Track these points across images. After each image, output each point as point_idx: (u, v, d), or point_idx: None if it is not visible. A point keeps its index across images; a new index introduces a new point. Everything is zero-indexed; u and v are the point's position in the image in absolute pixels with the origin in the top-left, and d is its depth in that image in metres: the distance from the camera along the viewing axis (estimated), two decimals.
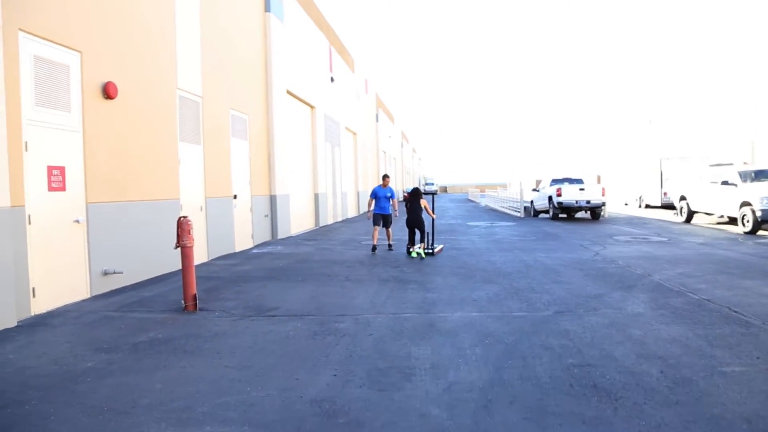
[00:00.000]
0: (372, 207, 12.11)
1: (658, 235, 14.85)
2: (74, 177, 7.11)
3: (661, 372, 4.26)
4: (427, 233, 11.51)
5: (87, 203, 7.35)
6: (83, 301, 7.19)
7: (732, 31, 31.62)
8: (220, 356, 4.86)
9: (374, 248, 11.92)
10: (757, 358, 4.58)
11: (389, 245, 12.26)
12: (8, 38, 5.93)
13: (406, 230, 11.74)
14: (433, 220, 11.90)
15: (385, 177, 12.48)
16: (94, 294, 7.48)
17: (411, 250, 11.17)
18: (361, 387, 4.08)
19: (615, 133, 42.11)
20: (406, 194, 11.69)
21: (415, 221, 11.24)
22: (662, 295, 7.10)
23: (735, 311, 6.16)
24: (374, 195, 12.06)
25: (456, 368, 4.42)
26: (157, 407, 3.75)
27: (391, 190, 12.15)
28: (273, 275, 9.12)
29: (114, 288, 7.89)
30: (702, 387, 3.95)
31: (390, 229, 12.39)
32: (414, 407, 3.70)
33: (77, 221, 7.16)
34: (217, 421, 3.51)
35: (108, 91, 7.64)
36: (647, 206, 28.37)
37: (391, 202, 12.24)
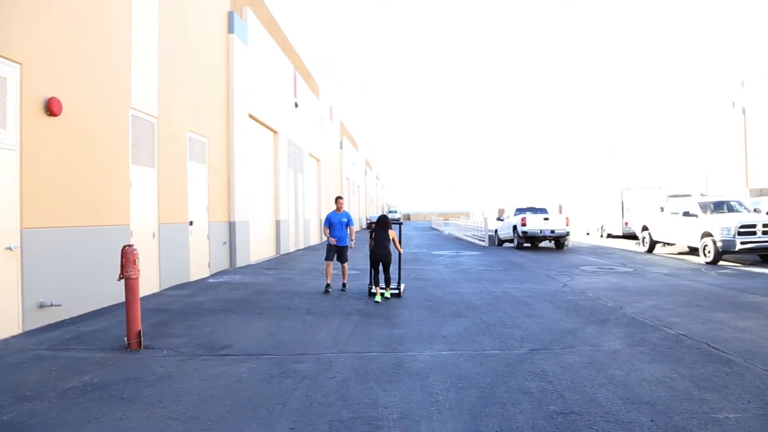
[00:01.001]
0: (326, 234, 10.45)
1: (624, 265, 14.79)
2: (8, 199, 6.45)
3: (652, 420, 3.90)
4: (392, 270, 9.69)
5: (22, 228, 6.68)
6: (13, 337, 6.47)
7: (688, 63, 32.74)
8: (162, 405, 4.28)
9: (328, 287, 10.07)
10: (749, 402, 4.27)
11: (343, 285, 10.33)
12: None
13: (368, 264, 9.98)
14: (399, 254, 10.14)
15: (338, 199, 10.45)
16: (26, 329, 6.76)
17: (374, 291, 9.38)
18: None
19: (576, 163, 42.91)
20: (370, 222, 9.80)
21: (381, 255, 9.31)
22: (637, 330, 6.83)
23: (714, 347, 5.91)
24: (328, 222, 10.34)
25: (428, 418, 3.97)
26: None
27: (347, 215, 10.40)
28: (229, 307, 8.52)
29: (51, 322, 7.17)
30: None
31: (346, 265, 10.44)
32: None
33: (9, 248, 6.48)
34: None
35: (51, 108, 7.04)
36: (609, 235, 28.66)
37: (348, 230, 10.35)
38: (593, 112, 40.65)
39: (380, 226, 9.51)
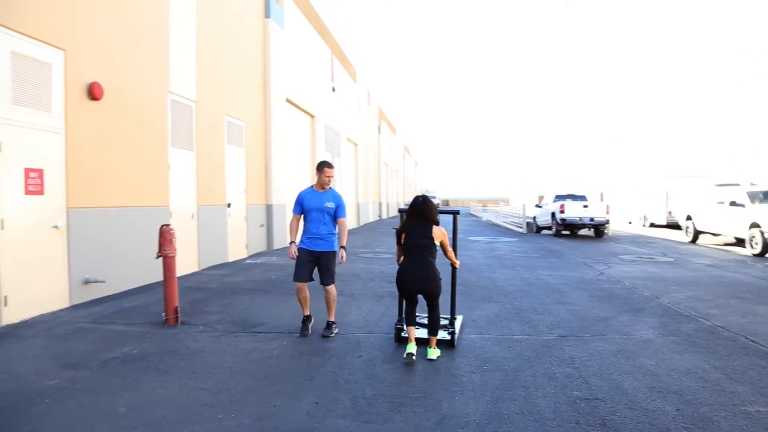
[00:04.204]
0: (296, 233, 5.90)
1: (664, 255, 14.44)
2: (54, 180, 6.75)
3: (677, 410, 3.86)
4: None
5: (68, 208, 6.98)
6: (61, 310, 6.80)
7: (739, 48, 31.43)
8: (195, 377, 4.46)
9: (306, 324, 5.90)
10: None
11: (329, 325, 5.84)
12: None
13: (395, 294, 6.94)
14: (453, 271, 5.78)
15: (325, 167, 5.82)
16: (73, 303, 7.10)
17: (406, 334, 5.37)
18: (345, 418, 3.68)
19: (620, 150, 41.83)
20: (405, 208, 5.53)
21: (418, 279, 5.03)
22: (672, 320, 6.70)
23: (752, 341, 5.75)
24: (300, 208, 5.86)
25: (450, 399, 4.02)
26: None
27: (336, 198, 5.86)
28: (264, 288, 8.72)
29: (95, 297, 7.50)
30: (724, 429, 3.55)
31: (332, 288, 5.83)
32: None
33: (56, 227, 6.79)
34: None
35: (93, 92, 7.29)
36: (651, 225, 27.94)
37: (337, 225, 5.89)
38: (641, 98, 39.47)
39: (417, 220, 5.13)
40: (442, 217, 5.38)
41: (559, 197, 21.85)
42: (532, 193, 49.57)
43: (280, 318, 6.62)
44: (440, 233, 5.13)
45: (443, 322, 5.62)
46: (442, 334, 5.46)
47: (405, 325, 5.28)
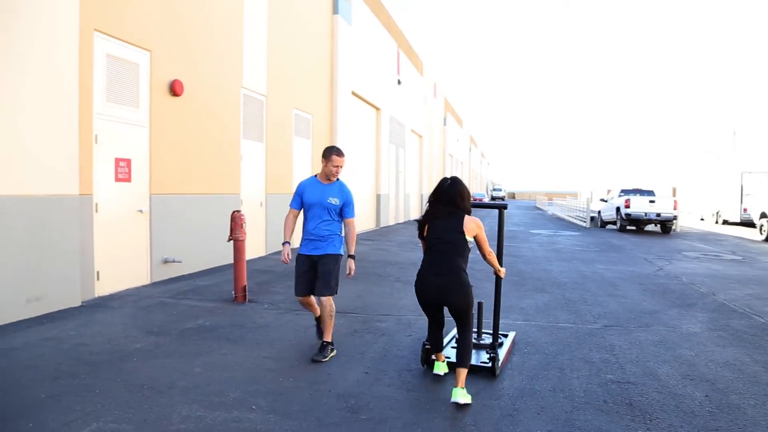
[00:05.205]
0: (292, 232, 4.90)
1: (733, 252, 14.01)
2: (139, 169, 7.51)
3: (706, 396, 4.03)
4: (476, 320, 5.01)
5: (150, 194, 7.74)
6: (143, 286, 7.58)
7: None
8: (259, 347, 5.00)
9: (319, 328, 5.04)
10: None
11: (323, 346, 4.75)
12: (84, 38, 6.34)
13: (416, 308, 5.50)
14: (497, 281, 4.76)
15: (332, 154, 4.73)
16: (153, 281, 7.87)
17: (436, 361, 4.39)
18: (390, 386, 4.10)
19: (694, 144, 40.04)
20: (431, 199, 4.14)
21: (441, 286, 3.92)
22: (723, 315, 6.71)
23: None
24: (299, 199, 4.84)
25: (488, 375, 4.36)
26: (193, 390, 3.91)
27: (343, 192, 4.86)
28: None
29: (172, 276, 8.26)
30: (749, 415, 3.71)
31: (329, 301, 4.77)
32: (439, 410, 3.68)
33: (141, 211, 7.56)
34: (246, 408, 3.62)
35: (174, 89, 8.02)
36: (725, 222, 26.80)
37: (345, 227, 4.96)
38: (718, 90, 37.58)
39: (444, 208, 4.01)
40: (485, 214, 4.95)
41: (624, 191, 21.40)
42: (600, 188, 48.23)
43: (339, 299, 7.04)
44: (475, 225, 3.91)
45: (485, 340, 4.82)
46: (481, 358, 4.45)
47: (432, 350, 4.30)
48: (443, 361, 4.32)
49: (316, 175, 4.90)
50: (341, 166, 4.78)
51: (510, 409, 3.72)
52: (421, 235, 4.15)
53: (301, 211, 4.89)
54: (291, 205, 4.89)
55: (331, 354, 4.76)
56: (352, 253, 4.87)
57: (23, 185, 5.57)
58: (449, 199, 3.97)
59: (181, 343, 5.04)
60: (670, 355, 5.02)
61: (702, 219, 29.84)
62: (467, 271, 3.94)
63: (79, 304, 6.32)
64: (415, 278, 4.07)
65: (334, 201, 4.76)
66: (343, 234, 4.90)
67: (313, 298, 4.86)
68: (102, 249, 6.84)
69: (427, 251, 4.03)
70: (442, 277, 3.87)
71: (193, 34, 8.58)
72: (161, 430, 3.27)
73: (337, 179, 4.86)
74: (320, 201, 4.73)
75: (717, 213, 27.48)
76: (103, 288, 6.90)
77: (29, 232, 5.64)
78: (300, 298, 4.83)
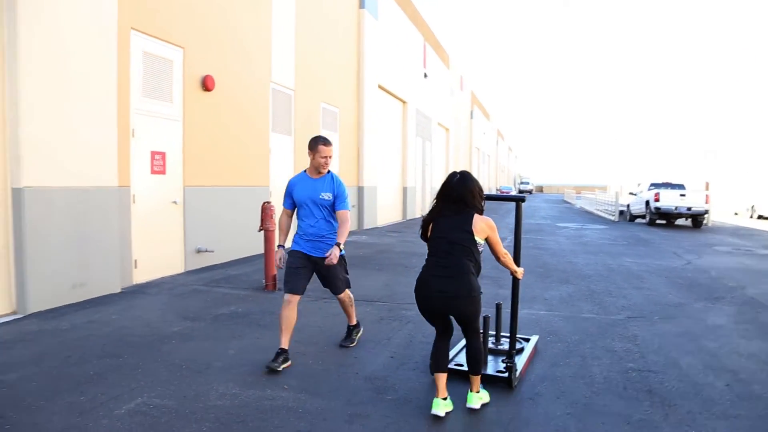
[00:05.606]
0: (287, 234, 4.62)
1: (766, 248, 13.79)
2: (174, 162, 7.79)
3: (727, 385, 4.09)
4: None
5: (184, 186, 8.02)
6: (178, 274, 7.87)
7: None
8: None
9: (276, 360, 4.17)
10: None
11: (348, 333, 4.95)
12: (122, 36, 6.62)
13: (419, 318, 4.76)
14: (515, 283, 4.23)
15: (319, 143, 4.46)
16: (187, 269, 8.16)
17: (435, 397, 3.49)
18: (414, 370, 4.26)
19: (728, 137, 39.15)
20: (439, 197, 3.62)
21: (443, 291, 3.39)
22: (751, 309, 6.69)
23: None
24: (290, 197, 4.56)
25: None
26: (228, 370, 4.13)
27: (335, 185, 4.53)
28: (352, 263, 9.28)
29: (205, 265, 8.55)
30: None
31: (344, 296, 4.76)
32: (460, 393, 3.81)
33: (175, 202, 7.84)
34: (278, 386, 3.82)
35: (206, 84, 8.27)
36: (760, 217, 26.24)
37: (338, 219, 4.47)
38: (751, 81, 36.66)
39: (451, 206, 3.53)
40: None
41: (654, 185, 21.13)
42: (630, 181, 47.51)
43: (365, 288, 7.29)
44: (486, 226, 3.48)
45: (504, 345, 4.55)
46: (498, 367, 4.12)
47: (438, 364, 3.54)
48: (445, 399, 3.46)
49: (305, 170, 4.57)
50: (330, 156, 4.45)
51: (531, 393, 3.84)
52: (424, 236, 3.63)
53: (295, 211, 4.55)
54: (284, 205, 4.55)
55: (358, 335, 4.94)
56: (341, 241, 4.32)
57: (68, 178, 5.87)
58: (458, 197, 3.48)
59: (215, 328, 5.28)
60: (693, 346, 5.07)
61: (736, 213, 29.26)
62: (473, 276, 3.42)
63: (119, 290, 6.63)
64: (415, 284, 3.53)
65: (327, 196, 4.40)
66: (338, 220, 4.46)
67: (296, 306, 4.38)
68: (139, 239, 7.14)
69: (429, 253, 3.54)
70: (446, 279, 3.37)
71: (223, 30, 8.82)
72: (200, 405, 3.49)
73: (328, 171, 4.52)
74: (312, 198, 4.39)
75: (751, 207, 26.91)
76: (141, 276, 7.20)
77: (73, 222, 5.95)
78: (289, 295, 4.33)
